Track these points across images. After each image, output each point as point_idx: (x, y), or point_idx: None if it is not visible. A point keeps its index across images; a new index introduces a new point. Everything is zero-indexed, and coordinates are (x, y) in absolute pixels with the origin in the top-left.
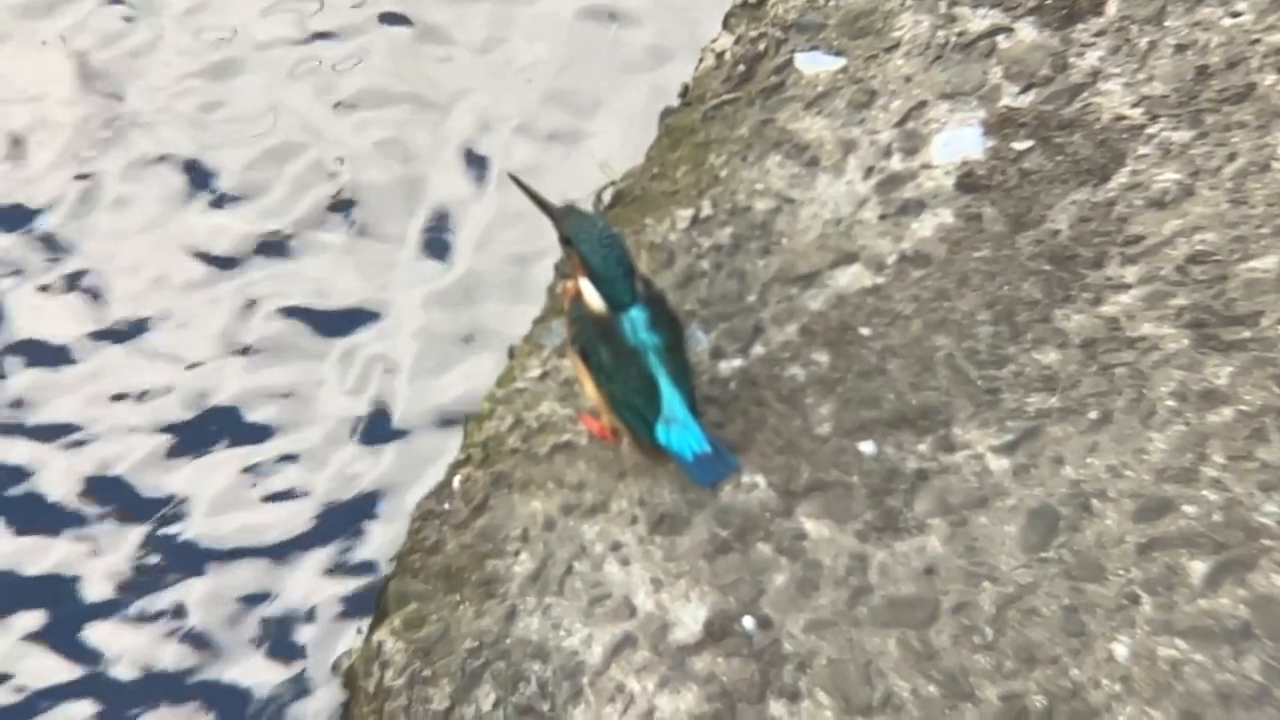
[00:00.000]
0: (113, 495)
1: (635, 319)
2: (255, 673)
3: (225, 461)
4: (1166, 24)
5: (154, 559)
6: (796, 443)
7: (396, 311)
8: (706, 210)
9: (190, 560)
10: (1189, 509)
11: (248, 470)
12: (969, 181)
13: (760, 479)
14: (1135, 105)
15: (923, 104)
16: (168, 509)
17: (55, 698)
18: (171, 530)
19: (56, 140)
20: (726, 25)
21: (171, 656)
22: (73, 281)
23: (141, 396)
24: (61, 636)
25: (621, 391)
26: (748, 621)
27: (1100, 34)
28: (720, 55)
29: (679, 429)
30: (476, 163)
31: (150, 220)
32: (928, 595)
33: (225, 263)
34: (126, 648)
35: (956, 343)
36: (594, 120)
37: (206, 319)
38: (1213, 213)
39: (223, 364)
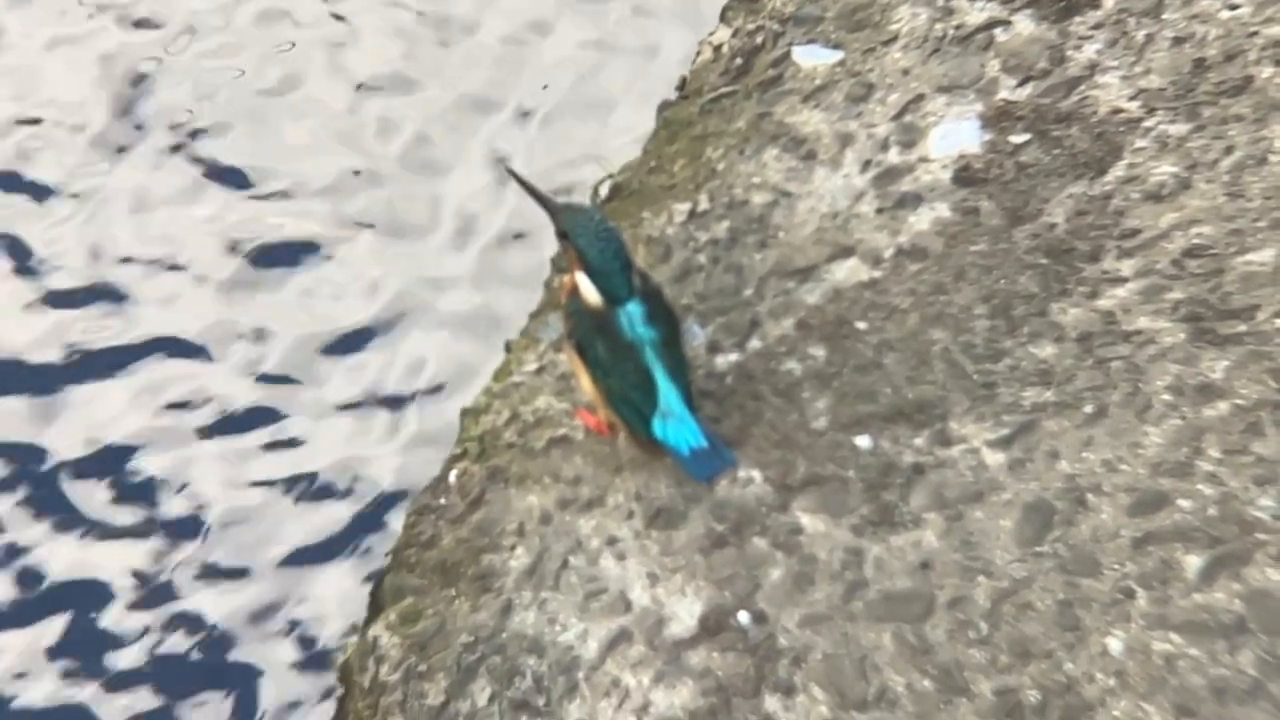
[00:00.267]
0: (104, 489)
1: (632, 313)
2: (249, 667)
3: (219, 453)
4: (1164, 17)
5: (146, 554)
6: (793, 437)
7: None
8: (704, 204)
9: (181, 556)
10: (1184, 503)
11: (243, 464)
12: (966, 175)
13: (756, 473)
14: (1132, 98)
15: (920, 97)
16: (159, 501)
17: (51, 687)
18: (161, 525)
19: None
20: (724, 18)
21: (163, 650)
22: (97, 282)
23: (146, 390)
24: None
25: (618, 386)
26: (743, 616)
27: (1098, 27)
28: (718, 48)
29: (675, 423)
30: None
31: (169, 217)
32: (923, 590)
33: (239, 263)
34: (117, 642)
35: (953, 337)
36: (592, 113)
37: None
38: (1209, 206)
39: (227, 357)
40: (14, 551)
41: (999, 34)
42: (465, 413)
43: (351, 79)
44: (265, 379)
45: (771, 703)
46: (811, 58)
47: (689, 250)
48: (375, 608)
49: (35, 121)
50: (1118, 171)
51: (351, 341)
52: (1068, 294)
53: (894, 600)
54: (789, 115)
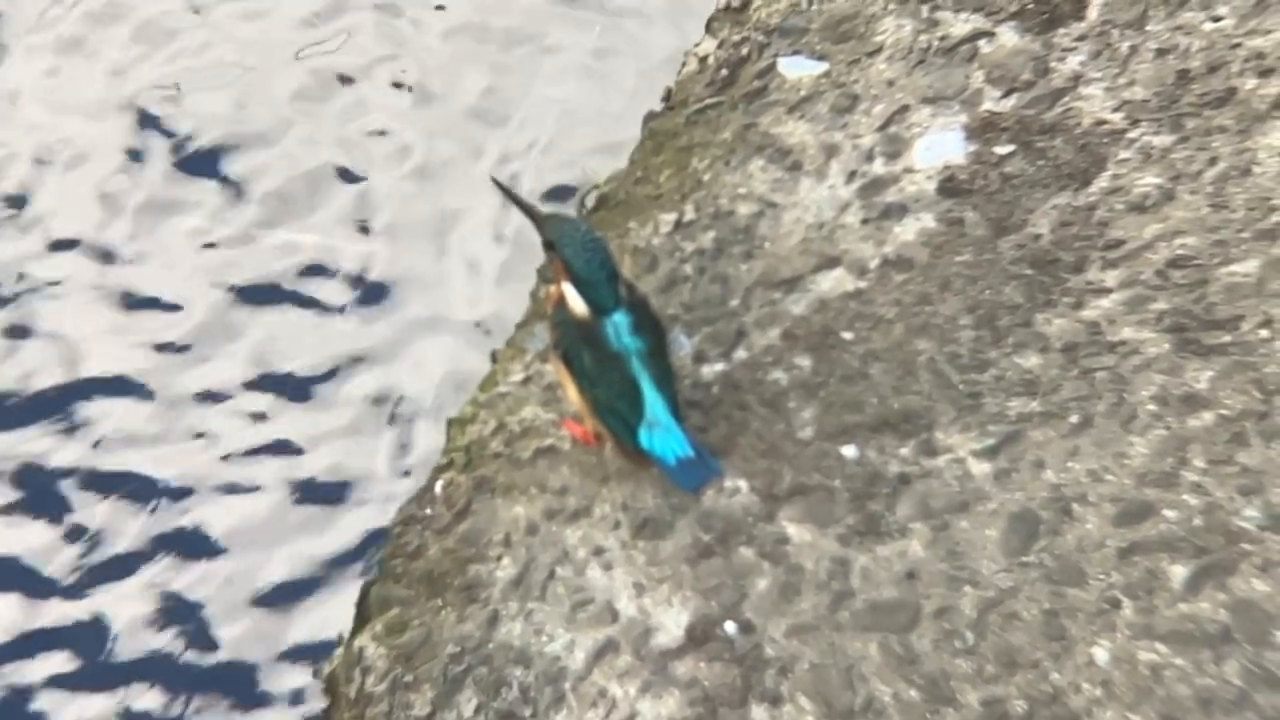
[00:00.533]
0: (96, 487)
1: (618, 323)
2: (234, 678)
3: (206, 460)
4: (1148, 28)
5: (133, 563)
6: (779, 447)
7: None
8: (689, 214)
9: (165, 565)
10: (1169, 513)
11: (230, 473)
12: (951, 186)
13: (743, 483)
14: (1116, 110)
15: (905, 108)
16: (148, 496)
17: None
18: (147, 534)
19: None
20: (709, 29)
21: (147, 662)
22: (121, 295)
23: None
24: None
25: (604, 396)
26: (730, 626)
27: (1081, 38)
28: (703, 59)
29: (662, 433)
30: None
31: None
32: (909, 600)
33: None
34: (99, 654)
35: (938, 347)
36: (575, 124)
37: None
38: (1193, 217)
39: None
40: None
41: (983, 45)
42: (452, 423)
43: (343, 92)
44: (258, 387)
45: (758, 713)
46: (797, 69)
47: (675, 260)
48: (361, 618)
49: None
50: (1102, 183)
51: (347, 351)
52: (1052, 304)
53: (880, 610)
54: (774, 126)
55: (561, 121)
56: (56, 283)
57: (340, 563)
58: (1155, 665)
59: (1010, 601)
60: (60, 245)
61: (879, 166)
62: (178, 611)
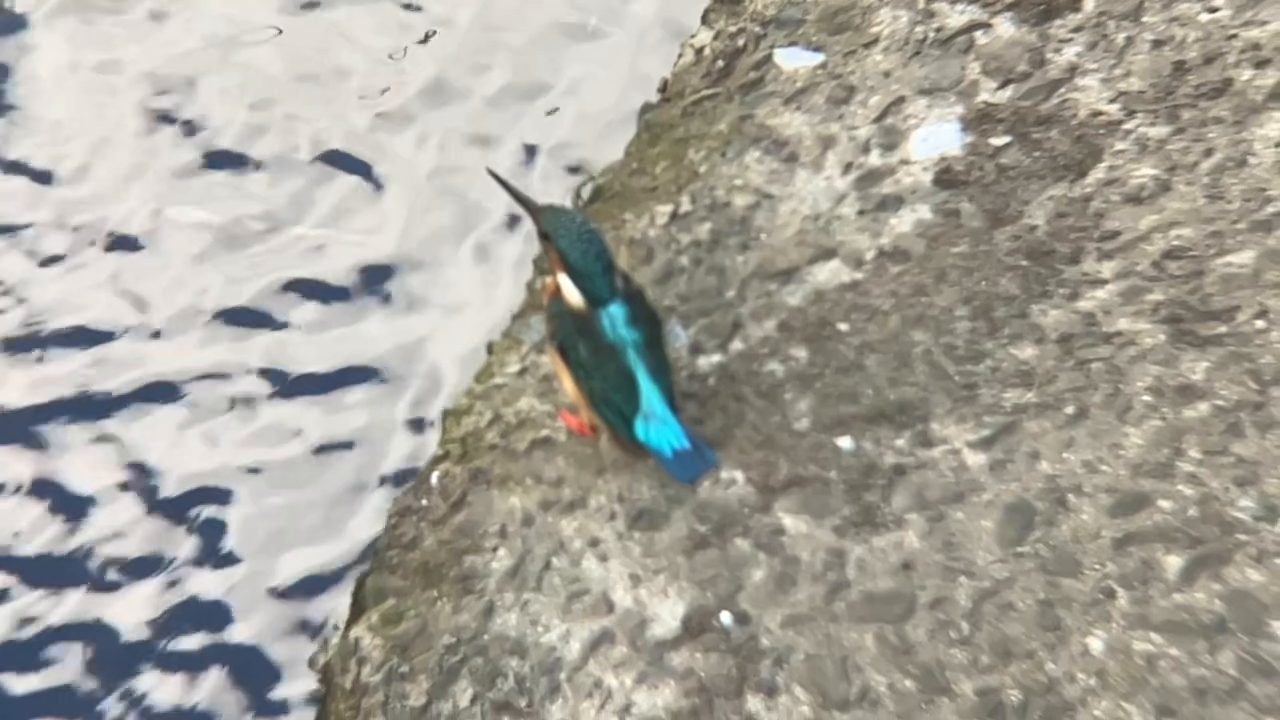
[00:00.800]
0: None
1: (614, 315)
2: (230, 668)
3: (201, 449)
4: (1144, 20)
5: (128, 543)
6: (775, 438)
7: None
8: (685, 206)
9: (161, 556)
10: (1165, 504)
11: (226, 462)
12: (947, 177)
13: (739, 474)
14: (1112, 101)
15: (901, 100)
16: (150, 490)
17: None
18: (139, 521)
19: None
20: (705, 20)
21: (142, 653)
22: (135, 303)
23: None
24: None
25: (600, 387)
26: (725, 617)
27: (1078, 30)
28: (699, 51)
29: (658, 425)
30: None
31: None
32: (905, 590)
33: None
34: (95, 640)
35: (934, 338)
36: (571, 116)
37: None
38: (1189, 208)
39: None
40: None
41: (979, 37)
42: (447, 414)
43: (342, 89)
44: (270, 381)
45: (754, 703)
46: (793, 60)
47: (671, 252)
48: (357, 609)
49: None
50: (1098, 174)
51: (359, 346)
52: (1048, 296)
53: (876, 601)
54: (771, 117)
55: (555, 113)
56: (72, 268)
57: (331, 553)
58: (1150, 655)
59: (1005, 592)
60: (77, 230)
61: (875, 158)
62: (161, 607)
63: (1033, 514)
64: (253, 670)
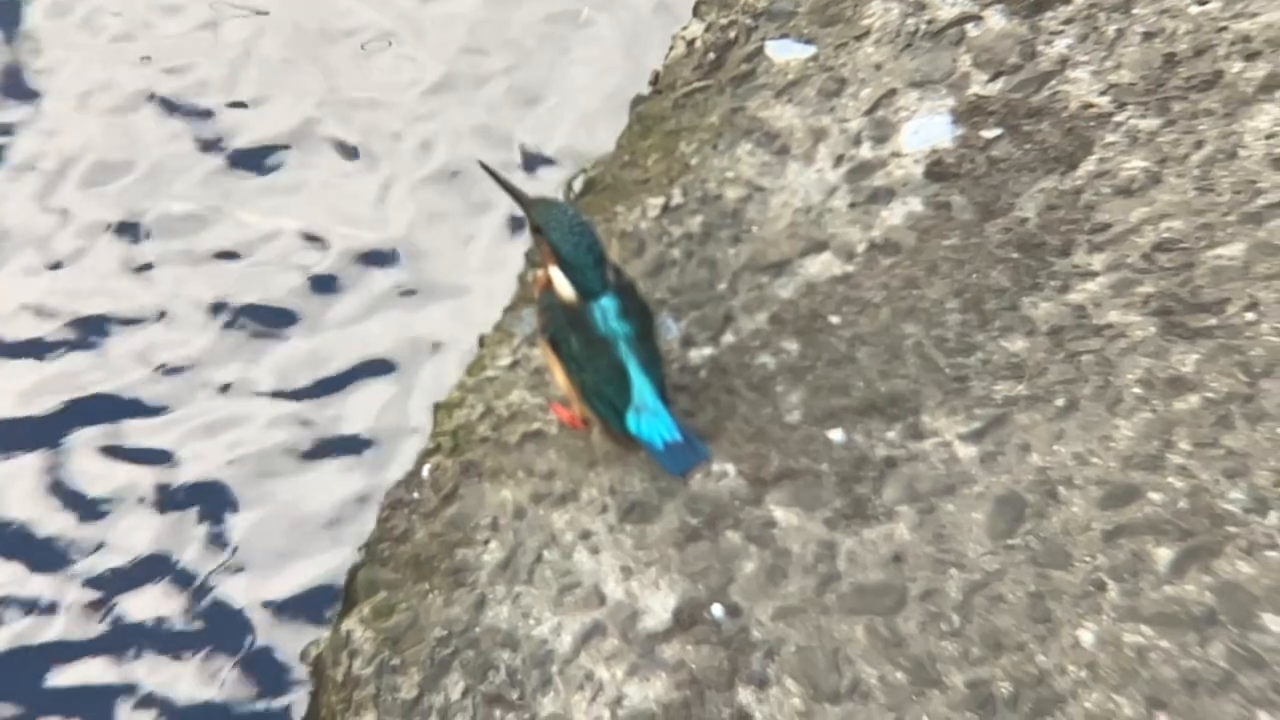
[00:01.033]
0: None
1: (606, 307)
2: (221, 662)
3: (195, 439)
4: (1134, 11)
5: (120, 537)
6: (766, 431)
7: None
8: (677, 198)
9: (153, 549)
10: (1155, 496)
11: (219, 453)
12: (938, 170)
13: (730, 467)
14: (1103, 93)
15: (892, 92)
16: (152, 482)
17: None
18: (138, 512)
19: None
20: (697, 13)
21: (134, 646)
22: (142, 283)
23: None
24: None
25: (592, 380)
26: (717, 609)
27: (1068, 22)
28: (691, 43)
29: (649, 417)
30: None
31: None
32: (895, 582)
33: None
34: (94, 631)
35: (925, 331)
36: (564, 107)
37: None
38: (1180, 200)
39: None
40: None
41: (970, 29)
42: (439, 407)
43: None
44: (242, 375)
45: (745, 695)
46: (784, 52)
47: (663, 245)
48: (348, 602)
49: None
50: (1088, 166)
51: (368, 346)
52: (1039, 288)
53: (866, 593)
54: (762, 110)
55: (546, 105)
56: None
57: (322, 546)
58: (1140, 647)
59: (996, 584)
60: (88, 229)
61: (866, 150)
62: (153, 599)
63: (1023, 506)
64: (243, 663)
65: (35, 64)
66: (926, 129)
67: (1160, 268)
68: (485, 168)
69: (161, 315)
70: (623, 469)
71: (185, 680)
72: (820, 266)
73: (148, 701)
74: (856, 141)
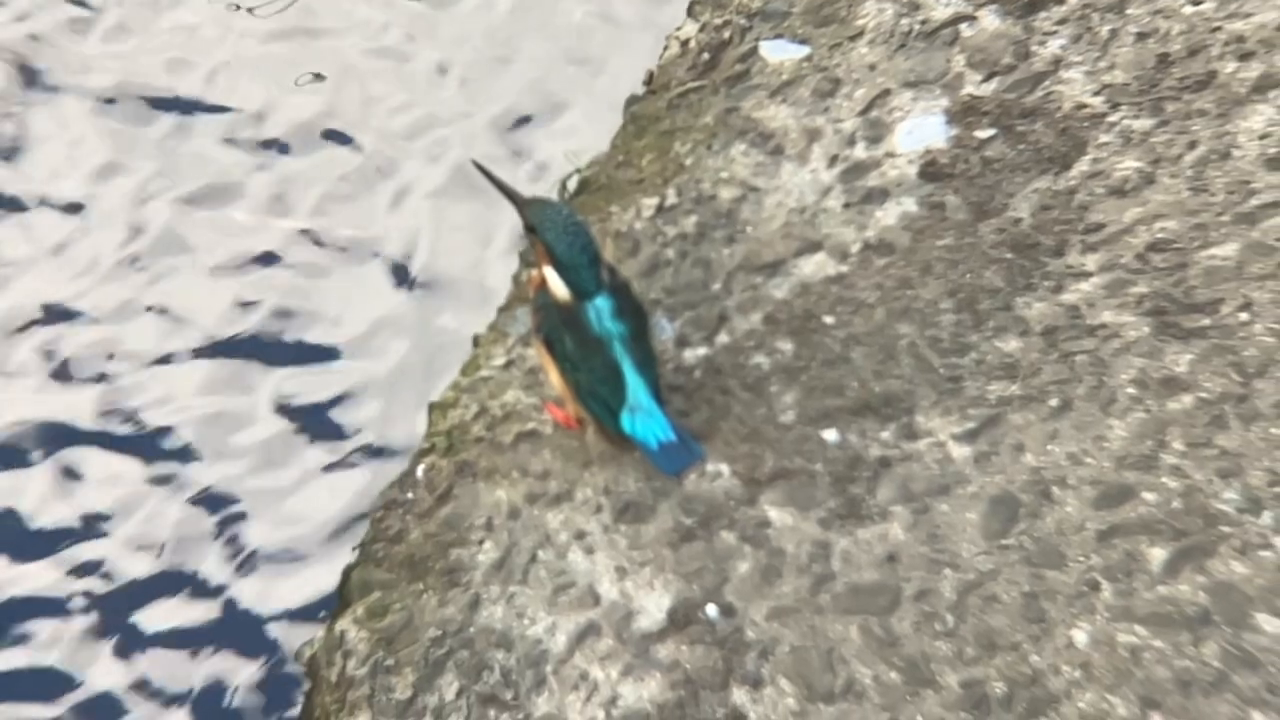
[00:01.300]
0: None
1: (600, 307)
2: (216, 662)
3: (189, 447)
4: (1128, 12)
5: (116, 534)
6: (761, 431)
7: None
8: (671, 198)
9: (148, 548)
10: (1149, 496)
11: (210, 459)
12: (932, 170)
13: (725, 467)
14: (1097, 93)
15: (886, 92)
16: (157, 474)
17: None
18: (134, 509)
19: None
20: (691, 13)
21: (130, 644)
22: (157, 279)
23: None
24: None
25: (586, 380)
26: (711, 609)
27: (1062, 22)
28: (685, 43)
29: (644, 417)
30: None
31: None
32: (890, 582)
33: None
34: (83, 635)
35: (919, 331)
36: (559, 108)
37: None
38: (1173, 200)
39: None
40: None
41: (964, 29)
42: (433, 407)
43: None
44: (235, 373)
45: (739, 695)
46: (779, 53)
47: (657, 245)
48: (343, 602)
49: None
50: (1082, 166)
51: (327, 341)
52: (1033, 288)
53: (861, 593)
54: (756, 110)
55: (540, 105)
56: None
57: (317, 546)
58: (1134, 647)
59: (990, 584)
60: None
61: (861, 151)
62: (148, 599)
63: (1017, 506)
64: (238, 663)
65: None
66: (920, 129)
67: (1154, 268)
68: (479, 168)
69: (164, 311)
70: (617, 469)
71: (180, 679)
72: (814, 267)
73: (142, 700)
74: (851, 142)
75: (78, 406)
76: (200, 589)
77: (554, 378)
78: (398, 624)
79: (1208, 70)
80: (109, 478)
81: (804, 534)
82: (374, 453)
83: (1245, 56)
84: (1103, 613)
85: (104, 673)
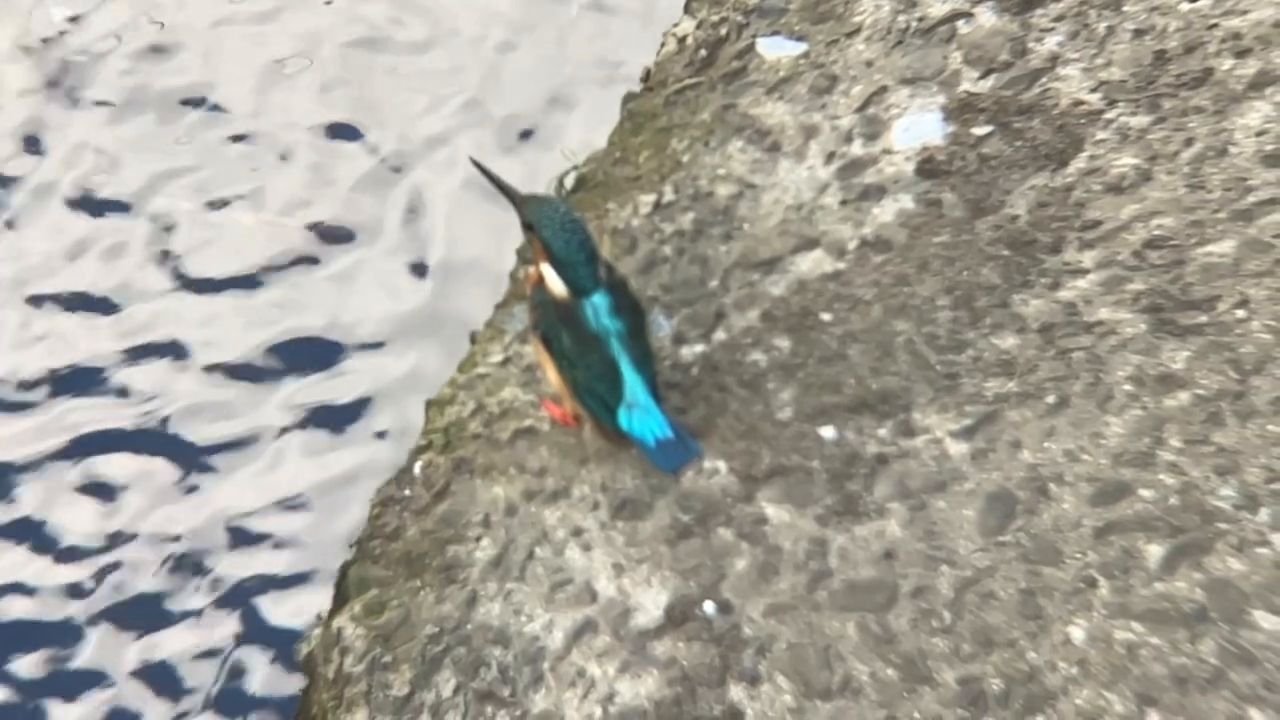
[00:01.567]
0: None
1: (597, 304)
2: (213, 658)
3: (186, 441)
4: (1125, 9)
5: (102, 533)
6: (758, 428)
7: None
8: (669, 195)
9: (143, 544)
10: (1145, 493)
11: (206, 455)
12: (929, 167)
13: (722, 464)
14: (1094, 90)
15: (883, 89)
16: (124, 491)
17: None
18: (125, 507)
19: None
20: (688, 9)
21: (126, 642)
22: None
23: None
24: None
25: (584, 377)
26: (708, 606)
27: (1059, 19)
28: (682, 40)
29: (641, 414)
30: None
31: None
32: (887, 579)
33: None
34: (76, 635)
35: (916, 328)
36: (556, 105)
37: None
38: (1170, 198)
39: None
40: None
41: (961, 26)
42: (430, 404)
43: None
44: (233, 375)
45: (736, 692)
46: (776, 49)
47: (654, 242)
48: (340, 599)
49: None
50: (1079, 163)
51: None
52: (1029, 285)
53: (858, 590)
54: (753, 107)
55: (537, 102)
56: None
57: (314, 543)
58: (1131, 644)
59: (987, 581)
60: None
61: (858, 148)
62: (145, 597)
63: (1014, 503)
64: (235, 660)
65: None
66: (917, 126)
67: (1151, 265)
68: (477, 165)
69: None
70: (614, 466)
71: (176, 676)
72: (811, 264)
73: (139, 697)
74: (848, 139)
75: (89, 407)
76: (195, 586)
77: (551, 375)
78: (395, 621)
79: (1204, 67)
80: (115, 476)
81: (801, 531)
82: (387, 451)
83: (1242, 53)
84: (1100, 609)
85: (96, 667)
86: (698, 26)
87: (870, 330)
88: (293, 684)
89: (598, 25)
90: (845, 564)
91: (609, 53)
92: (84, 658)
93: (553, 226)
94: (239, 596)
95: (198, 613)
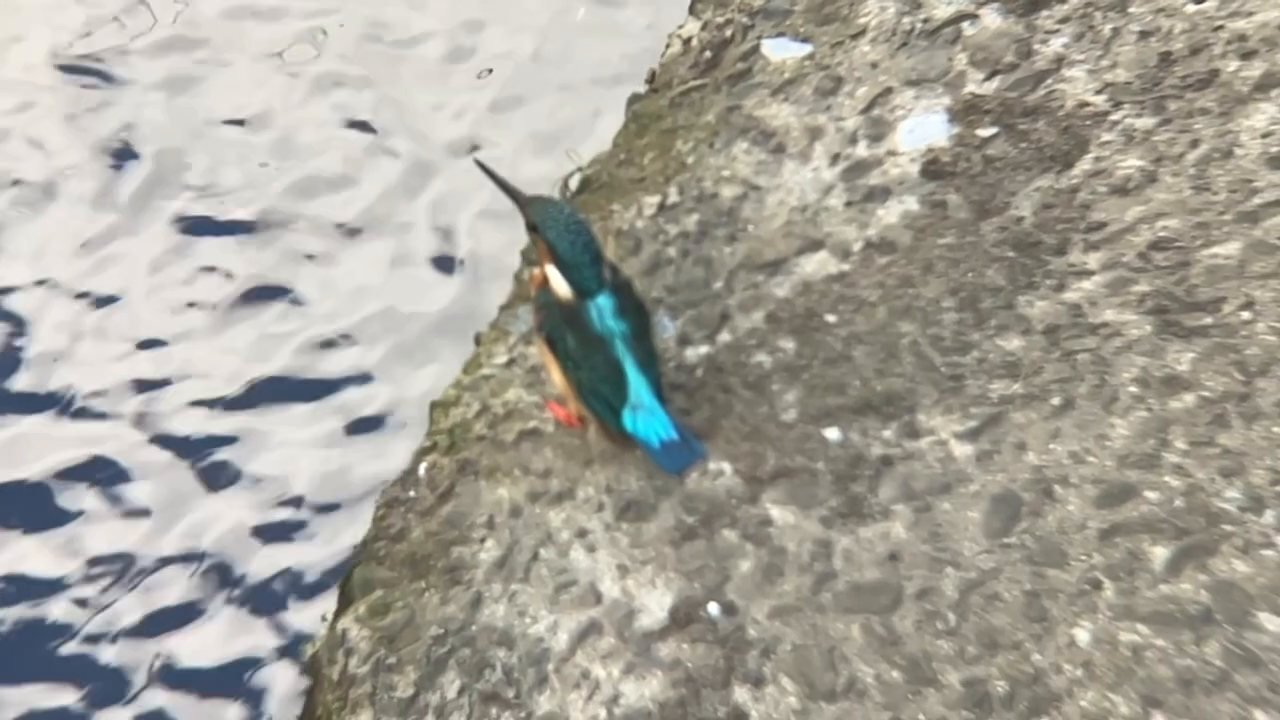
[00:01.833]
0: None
1: (602, 306)
2: (218, 660)
3: (192, 446)
4: (1130, 10)
5: (112, 536)
6: (762, 429)
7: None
8: (673, 197)
9: (146, 546)
10: (1151, 495)
11: (215, 456)
12: (934, 168)
13: (726, 466)
14: (1099, 92)
15: (888, 91)
16: (125, 493)
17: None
18: (130, 508)
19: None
20: (693, 11)
21: (129, 644)
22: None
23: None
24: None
25: (588, 378)
26: (713, 608)
27: (1064, 21)
28: (687, 41)
29: (646, 416)
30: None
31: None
32: (891, 581)
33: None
34: (77, 632)
35: (921, 329)
36: (561, 107)
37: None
38: (1175, 199)
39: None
40: None
41: (966, 28)
42: (435, 405)
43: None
44: (238, 375)
45: (741, 694)
46: (781, 51)
47: (659, 243)
48: (344, 600)
49: None
50: (1084, 165)
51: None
52: (1035, 287)
53: (862, 591)
54: (758, 108)
55: (542, 103)
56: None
57: (318, 544)
58: (1136, 646)
59: (992, 583)
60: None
61: (862, 149)
62: (149, 597)
63: (1019, 505)
64: (239, 661)
65: None
66: (922, 127)
67: (1156, 266)
68: (481, 166)
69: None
70: (619, 467)
71: (180, 677)
72: (816, 265)
73: (140, 696)
74: (852, 140)
75: (106, 414)
76: (198, 588)
77: (556, 376)
78: (399, 622)
79: (1210, 69)
80: (123, 479)
81: (806, 532)
82: (391, 453)
83: (1247, 55)
84: (1105, 611)
85: (102, 668)
86: (703, 28)
87: (875, 332)
88: (298, 685)
89: (603, 26)
90: (850, 566)
91: (614, 54)
92: (86, 658)
93: (557, 228)
94: (243, 598)
95: (201, 614)
